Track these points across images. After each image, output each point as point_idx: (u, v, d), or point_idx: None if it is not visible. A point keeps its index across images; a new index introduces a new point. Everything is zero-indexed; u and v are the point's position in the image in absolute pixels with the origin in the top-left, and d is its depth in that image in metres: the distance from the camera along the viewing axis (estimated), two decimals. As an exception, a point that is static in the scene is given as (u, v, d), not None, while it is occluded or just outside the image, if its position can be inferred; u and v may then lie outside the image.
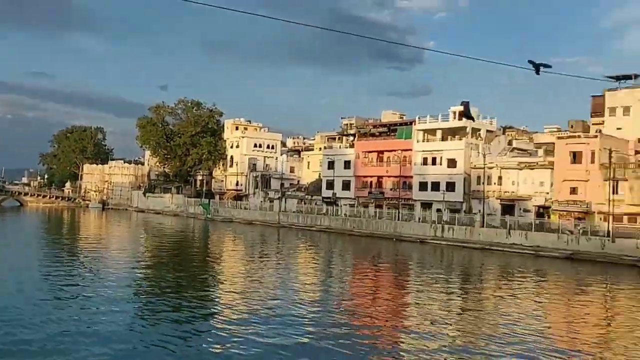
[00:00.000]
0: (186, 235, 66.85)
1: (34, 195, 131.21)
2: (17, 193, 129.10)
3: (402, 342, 20.14)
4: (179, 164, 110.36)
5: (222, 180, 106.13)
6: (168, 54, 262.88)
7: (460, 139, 67.30)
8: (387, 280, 36.36)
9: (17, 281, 28.77)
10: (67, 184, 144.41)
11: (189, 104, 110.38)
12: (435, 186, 66.96)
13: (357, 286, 33.61)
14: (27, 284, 28.37)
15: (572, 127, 74.14)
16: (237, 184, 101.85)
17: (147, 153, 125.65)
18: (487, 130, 70.02)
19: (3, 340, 17.89)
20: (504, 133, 74.54)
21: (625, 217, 51.23)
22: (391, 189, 73.17)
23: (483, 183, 62.46)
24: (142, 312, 23.52)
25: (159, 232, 67.93)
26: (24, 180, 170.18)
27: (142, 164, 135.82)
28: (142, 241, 58.85)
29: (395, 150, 74.18)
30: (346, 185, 78.56)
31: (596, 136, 56.82)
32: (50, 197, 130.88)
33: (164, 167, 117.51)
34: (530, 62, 16.05)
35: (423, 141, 71.27)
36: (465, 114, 57.00)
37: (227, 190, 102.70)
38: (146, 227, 76.50)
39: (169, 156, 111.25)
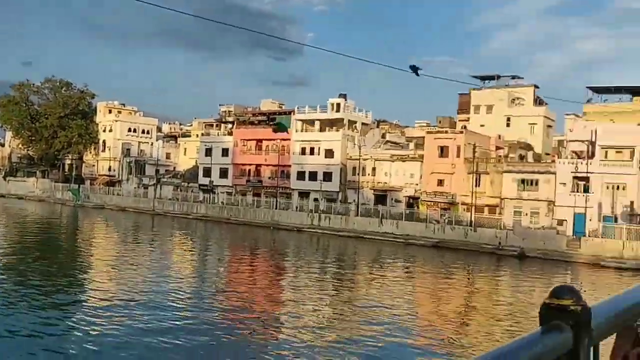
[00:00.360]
0: (53, 222, 63.17)
1: None
2: None
3: (276, 326, 20.53)
4: (46, 146, 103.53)
5: (94, 165, 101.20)
6: (33, 29, 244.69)
7: (338, 131, 68.99)
8: (263, 268, 36.69)
9: None
10: None
11: (58, 84, 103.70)
12: (313, 176, 68.17)
13: (234, 273, 33.65)
14: None
15: (440, 122, 78.44)
16: (109, 169, 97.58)
17: (9, 134, 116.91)
18: (363, 123, 72.36)
19: None
20: (378, 126, 77.22)
21: (486, 208, 55.21)
22: (269, 178, 73.48)
23: (358, 174, 64.48)
24: (1, 299, 22.06)
25: (21, 219, 63.56)
26: None
27: (2, 145, 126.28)
28: (0, 227, 54.83)
29: (274, 140, 74.50)
30: (224, 173, 77.84)
31: (462, 132, 60.66)
32: None
33: (27, 150, 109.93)
34: (411, 66, 16.80)
35: (302, 131, 72.28)
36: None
37: (99, 175, 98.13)
38: (6, 213, 71.25)
39: (33, 138, 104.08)
